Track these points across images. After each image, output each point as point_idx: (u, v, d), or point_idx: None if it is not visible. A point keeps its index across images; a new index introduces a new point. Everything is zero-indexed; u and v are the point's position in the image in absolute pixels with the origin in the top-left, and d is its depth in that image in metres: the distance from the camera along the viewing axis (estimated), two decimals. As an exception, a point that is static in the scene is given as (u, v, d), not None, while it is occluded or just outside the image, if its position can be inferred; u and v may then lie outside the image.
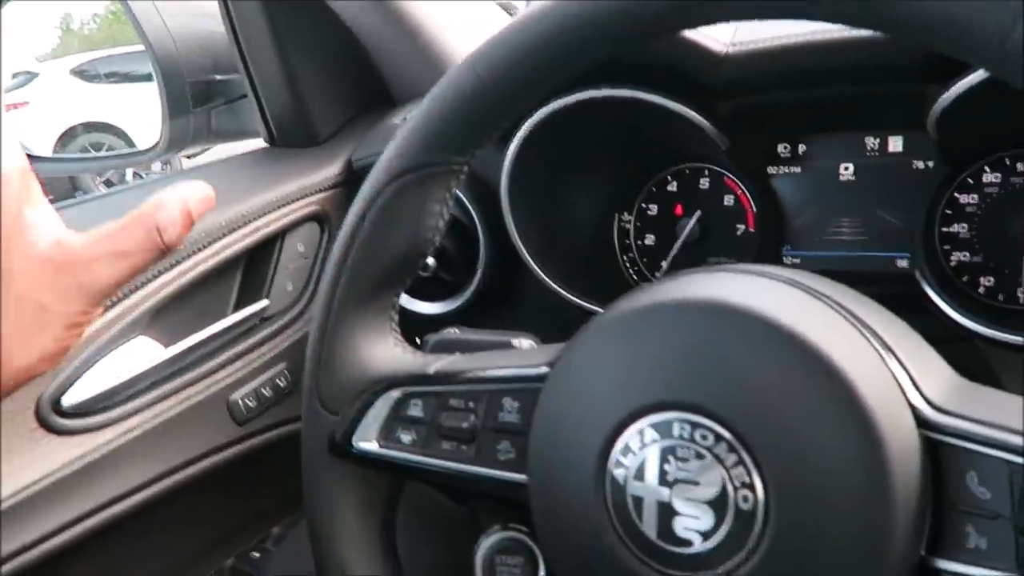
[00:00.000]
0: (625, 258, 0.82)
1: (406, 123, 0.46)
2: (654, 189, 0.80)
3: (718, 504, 0.35)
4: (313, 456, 0.49)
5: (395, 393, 0.47)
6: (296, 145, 0.91)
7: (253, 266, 0.79)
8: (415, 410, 0.47)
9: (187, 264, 0.71)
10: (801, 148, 0.72)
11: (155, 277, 0.68)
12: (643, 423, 0.37)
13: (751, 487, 0.34)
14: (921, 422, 0.34)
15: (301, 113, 0.90)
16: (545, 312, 0.80)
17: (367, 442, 0.47)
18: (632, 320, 0.39)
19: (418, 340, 0.54)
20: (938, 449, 0.34)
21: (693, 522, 0.35)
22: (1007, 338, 0.59)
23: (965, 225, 0.66)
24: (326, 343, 0.48)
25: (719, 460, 0.35)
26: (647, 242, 0.81)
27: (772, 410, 0.34)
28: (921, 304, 0.64)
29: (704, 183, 0.78)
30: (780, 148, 0.72)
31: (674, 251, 0.78)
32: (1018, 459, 0.31)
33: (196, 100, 0.91)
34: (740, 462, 0.34)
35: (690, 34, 0.64)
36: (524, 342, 0.55)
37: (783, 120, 0.70)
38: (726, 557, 0.35)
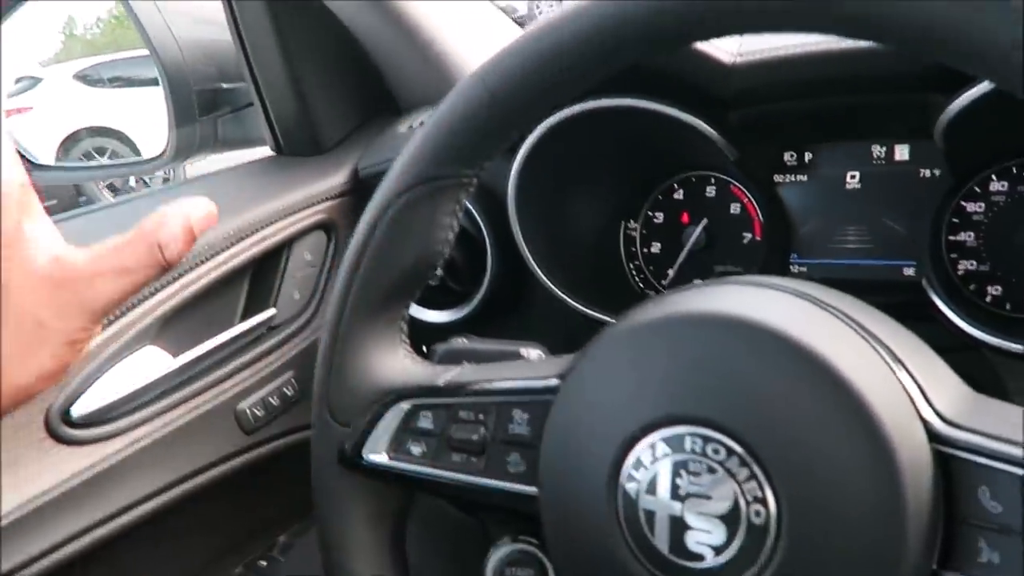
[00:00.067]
0: (631, 266, 0.82)
1: (415, 136, 0.46)
2: (660, 197, 0.80)
3: (730, 518, 0.35)
4: (323, 467, 0.49)
5: (405, 405, 0.47)
6: (302, 153, 0.91)
7: (260, 275, 0.79)
8: (425, 422, 0.47)
9: (195, 274, 0.71)
10: (807, 156, 0.72)
11: (163, 287, 0.69)
12: (655, 437, 0.37)
13: (763, 501, 0.34)
14: (932, 436, 0.34)
15: (307, 121, 0.90)
16: (551, 320, 0.80)
17: (377, 454, 0.47)
18: (642, 333, 0.39)
19: (425, 348, 0.54)
20: (949, 463, 0.33)
21: (705, 536, 0.35)
22: (1014, 347, 0.59)
23: (972, 234, 0.66)
24: (336, 354, 0.48)
25: (731, 474, 0.35)
26: (653, 250, 0.81)
27: (784, 424, 0.34)
28: (928, 313, 0.64)
29: (710, 191, 0.78)
30: (787, 157, 0.72)
31: (680, 259, 0.79)
32: None
33: (202, 108, 0.91)
34: (752, 476, 0.34)
35: (698, 44, 0.65)
36: (532, 352, 0.55)
37: (790, 129, 0.70)
38: (738, 572, 0.35)
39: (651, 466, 0.37)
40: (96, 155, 4.05)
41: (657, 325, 0.39)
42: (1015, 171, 0.64)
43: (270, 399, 0.78)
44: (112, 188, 4.54)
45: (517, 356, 0.56)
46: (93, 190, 4.47)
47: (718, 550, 0.35)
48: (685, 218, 0.79)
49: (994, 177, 0.65)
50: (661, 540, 0.36)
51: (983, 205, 0.65)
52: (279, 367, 0.79)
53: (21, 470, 0.61)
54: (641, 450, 0.37)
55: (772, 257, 0.74)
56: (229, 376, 0.75)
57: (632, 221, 0.82)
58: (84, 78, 3.97)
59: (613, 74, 0.40)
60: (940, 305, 0.63)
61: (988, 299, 0.66)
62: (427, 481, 0.46)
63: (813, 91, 0.64)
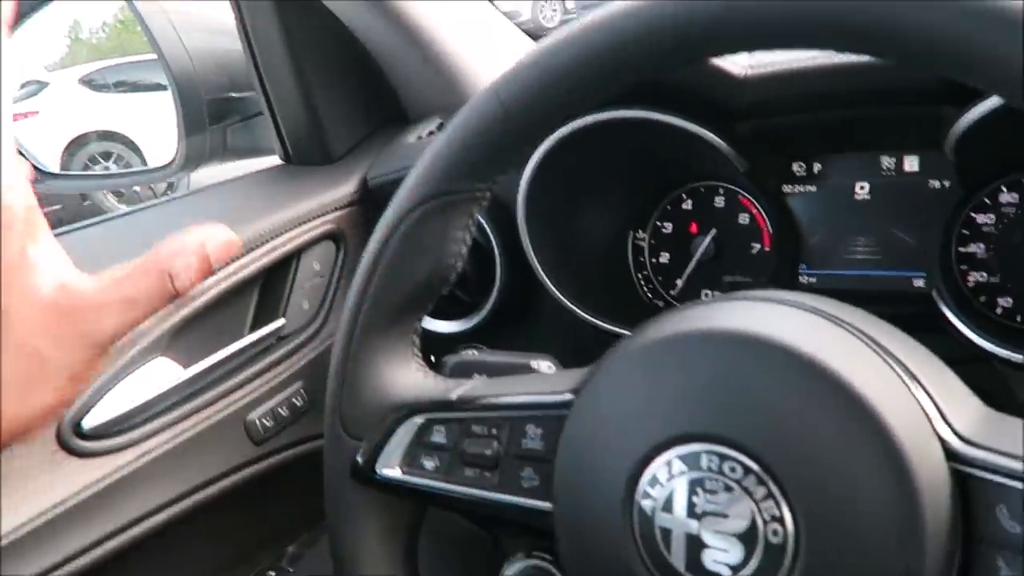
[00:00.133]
0: (639, 276, 0.82)
1: (428, 149, 0.46)
2: (669, 207, 0.80)
3: (748, 537, 0.35)
4: (336, 481, 0.49)
5: (418, 419, 0.47)
6: (311, 162, 0.91)
7: (269, 285, 0.79)
8: (438, 436, 0.47)
9: (205, 284, 0.71)
10: (816, 167, 0.72)
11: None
12: (670, 454, 0.37)
13: (781, 520, 0.34)
14: (950, 454, 0.34)
15: (316, 130, 0.90)
16: (560, 330, 0.80)
17: (390, 468, 0.47)
18: (657, 350, 0.39)
19: (433, 359, 0.54)
20: (967, 482, 0.33)
21: (722, 555, 0.35)
22: (1025, 359, 0.59)
23: (982, 245, 0.66)
24: (349, 368, 0.48)
25: (748, 493, 0.35)
26: (662, 260, 0.81)
27: (800, 442, 0.34)
28: (938, 324, 0.64)
29: (719, 201, 0.78)
30: (796, 167, 0.72)
31: (689, 269, 0.79)
32: None
33: (212, 117, 0.92)
34: (769, 495, 0.34)
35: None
36: (543, 364, 0.56)
37: (800, 140, 0.70)
38: None
39: (667, 483, 0.37)
40: (101, 160, 4.06)
41: (673, 341, 0.39)
42: (1025, 182, 0.64)
43: (279, 409, 0.78)
44: (117, 194, 4.54)
45: (528, 368, 0.56)
46: (98, 195, 4.47)
47: (735, 569, 0.35)
48: (694, 228, 0.79)
49: (1004, 188, 0.65)
50: (678, 558, 0.36)
51: (993, 216, 0.65)
52: (288, 377, 0.79)
53: (33, 483, 0.61)
54: (657, 467, 0.37)
55: (781, 267, 0.73)
56: (239, 387, 0.75)
57: (641, 231, 0.82)
58: (89, 82, 3.97)
59: (627, 89, 0.40)
60: (950, 317, 0.63)
61: (999, 311, 0.66)
62: (440, 496, 0.46)
63: (824, 103, 0.64)
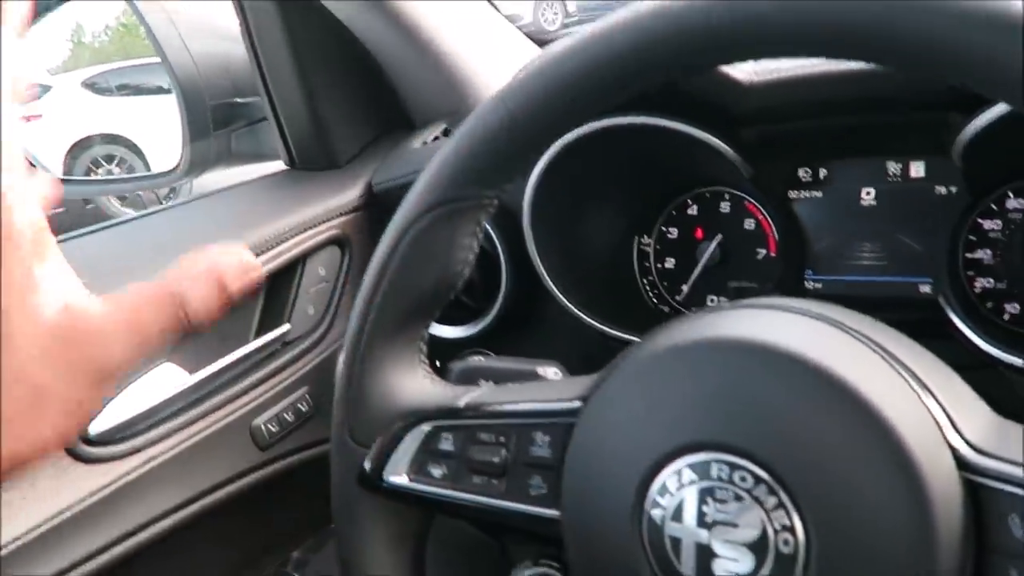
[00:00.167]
0: (645, 281, 0.82)
1: (436, 156, 0.46)
2: (674, 212, 0.80)
3: (758, 547, 0.35)
4: (343, 488, 0.49)
5: (425, 427, 0.47)
6: (316, 168, 0.92)
7: (274, 291, 0.79)
8: (445, 444, 0.46)
9: None
10: (822, 173, 0.71)
11: None
12: (680, 463, 0.37)
13: (791, 530, 0.34)
14: (961, 464, 0.33)
15: (321, 136, 0.90)
16: (565, 336, 0.80)
17: (397, 476, 0.47)
18: (666, 358, 0.39)
19: (439, 365, 0.54)
20: (979, 492, 0.33)
21: (733, 564, 0.35)
22: (1033, 366, 0.59)
23: (989, 251, 0.66)
24: (356, 375, 0.48)
25: (759, 502, 0.35)
26: (667, 266, 0.81)
27: (811, 452, 0.34)
28: (945, 330, 0.64)
29: (724, 207, 0.78)
30: (801, 173, 0.72)
31: (695, 275, 0.78)
32: None
33: (217, 123, 0.92)
34: (780, 505, 0.34)
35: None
36: (549, 370, 0.55)
37: (805, 146, 0.70)
38: None
39: (677, 492, 0.37)
40: (104, 163, 4.06)
41: (682, 350, 0.39)
42: (1032, 189, 0.64)
43: (284, 415, 0.78)
44: (121, 197, 4.55)
45: (534, 374, 0.56)
46: (101, 199, 4.47)
47: None
48: (699, 234, 0.79)
49: (1011, 194, 0.65)
50: (687, 567, 0.36)
51: (1000, 223, 0.65)
52: (293, 382, 0.79)
53: (39, 488, 0.61)
54: (667, 476, 0.37)
55: (787, 273, 0.73)
56: (244, 392, 0.75)
57: (646, 237, 0.82)
58: (92, 86, 3.98)
59: (635, 96, 0.40)
60: (957, 323, 0.63)
61: (1006, 317, 0.65)
62: (447, 503, 0.46)
63: (830, 109, 0.64)
